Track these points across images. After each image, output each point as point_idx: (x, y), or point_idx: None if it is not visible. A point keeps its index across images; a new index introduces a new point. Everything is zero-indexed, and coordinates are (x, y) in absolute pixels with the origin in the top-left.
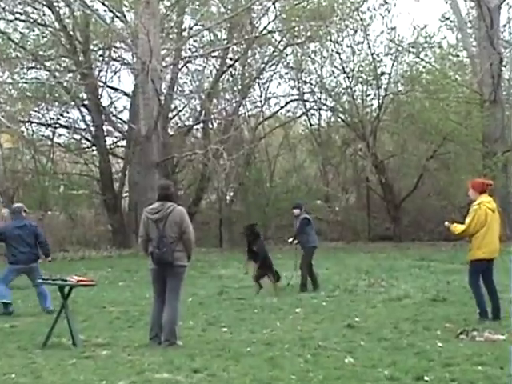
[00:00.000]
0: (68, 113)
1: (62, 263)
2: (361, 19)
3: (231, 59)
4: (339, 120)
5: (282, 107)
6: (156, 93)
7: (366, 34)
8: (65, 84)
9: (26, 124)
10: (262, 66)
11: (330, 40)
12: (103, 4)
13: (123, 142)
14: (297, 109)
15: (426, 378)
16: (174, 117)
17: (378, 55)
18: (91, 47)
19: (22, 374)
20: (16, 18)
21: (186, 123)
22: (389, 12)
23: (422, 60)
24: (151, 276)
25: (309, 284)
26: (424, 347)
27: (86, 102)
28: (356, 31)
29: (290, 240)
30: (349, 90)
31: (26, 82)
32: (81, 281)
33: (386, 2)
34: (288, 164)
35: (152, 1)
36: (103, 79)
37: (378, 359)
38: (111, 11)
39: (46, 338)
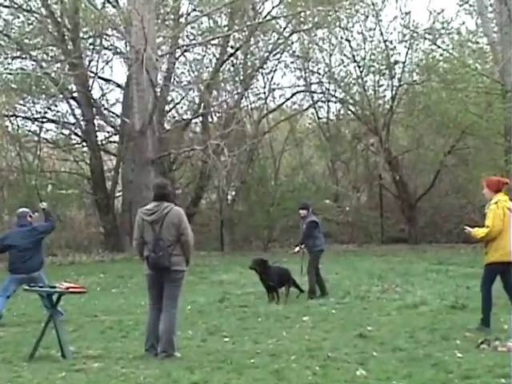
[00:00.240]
0: (56, 106)
1: (51, 268)
2: (372, 3)
3: (232, 47)
4: (349, 113)
5: (287, 99)
6: (151, 84)
7: (378, 19)
8: (52, 75)
9: (11, 118)
10: (266, 54)
11: (340, 26)
12: None
13: (116, 138)
14: (303, 101)
15: None
16: (170, 110)
17: (391, 42)
18: (81, 35)
19: None
20: None
21: (184, 117)
22: None
23: (439, 47)
24: (147, 282)
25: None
26: (442, 358)
27: (75, 95)
28: (367, 16)
29: (297, 250)
30: (360, 81)
31: (10, 73)
32: (70, 287)
33: None
34: (294, 160)
35: None
36: (94, 70)
37: (393, 371)
38: None
39: (33, 350)
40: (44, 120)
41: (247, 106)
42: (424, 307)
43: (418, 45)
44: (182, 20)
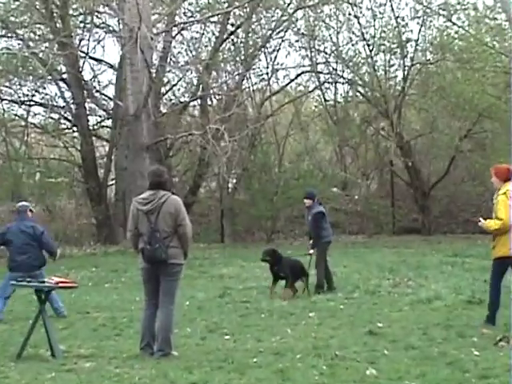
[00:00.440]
0: (44, 88)
1: None
2: None
3: (233, 25)
4: (358, 94)
5: (291, 80)
6: (146, 64)
7: None
8: (40, 55)
9: None
10: (269, 32)
11: (348, 2)
12: None
13: (108, 122)
14: (309, 82)
15: None
16: (167, 92)
17: (402, 19)
18: (71, 12)
19: None
20: None
21: (181, 99)
22: None
23: (454, 24)
24: (142, 276)
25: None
26: (458, 356)
27: (64, 76)
28: None
29: (311, 252)
30: (369, 60)
31: None
32: (61, 282)
33: None
34: (299, 146)
35: None
36: (85, 49)
37: (405, 371)
38: None
39: (21, 349)
40: (31, 103)
41: (249, 87)
42: (438, 302)
43: (431, 21)
44: None
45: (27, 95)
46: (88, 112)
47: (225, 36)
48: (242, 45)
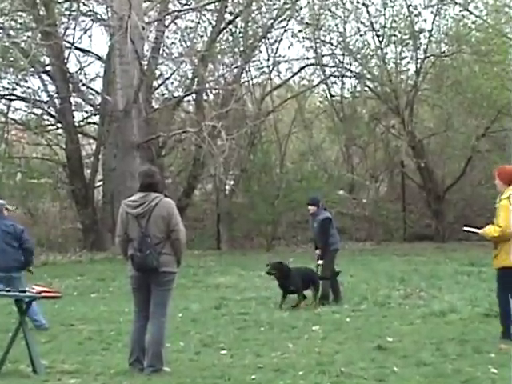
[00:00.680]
0: (26, 81)
1: None
2: None
3: (231, 14)
4: (367, 89)
5: (294, 74)
6: (137, 56)
7: None
8: (22, 45)
9: None
10: (270, 21)
11: None
12: None
13: (96, 118)
14: (313, 76)
15: None
16: (159, 86)
17: (415, 7)
18: None
19: None
20: None
21: (175, 94)
22: None
23: (471, 13)
24: (131, 285)
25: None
26: (474, 374)
27: (48, 68)
28: None
29: (321, 262)
30: (379, 52)
31: None
32: (43, 292)
33: None
34: (303, 145)
35: None
36: (70, 39)
37: None
38: None
39: (0, 364)
40: (12, 98)
41: (248, 81)
42: (453, 315)
43: (446, 10)
44: None
45: (7, 89)
46: (73, 107)
47: (222, 25)
48: (240, 35)
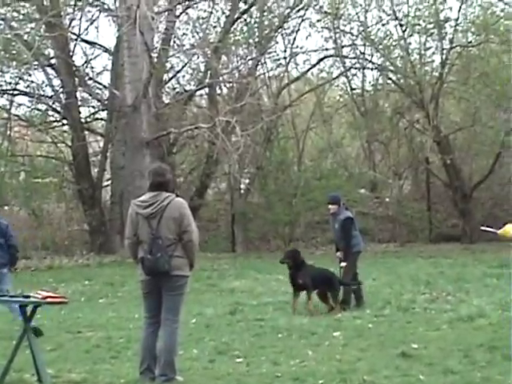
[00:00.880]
0: (30, 75)
1: (24, 274)
2: None
3: (245, 2)
4: (389, 82)
5: (313, 66)
6: (146, 48)
7: None
8: (25, 37)
9: None
10: (287, 11)
11: None
12: None
13: (103, 114)
14: (333, 68)
15: None
16: (170, 80)
17: None
18: None
19: None
20: None
21: (187, 88)
22: None
23: (500, 1)
24: (142, 290)
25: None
26: (503, 382)
27: (53, 61)
28: None
29: (343, 265)
30: (402, 43)
31: None
32: (49, 297)
33: None
34: (322, 141)
35: None
36: (76, 30)
37: None
38: None
39: (3, 374)
40: (15, 92)
41: (264, 74)
42: (482, 320)
43: None
44: None
45: (10, 83)
46: (80, 102)
47: (236, 15)
48: (255, 25)
